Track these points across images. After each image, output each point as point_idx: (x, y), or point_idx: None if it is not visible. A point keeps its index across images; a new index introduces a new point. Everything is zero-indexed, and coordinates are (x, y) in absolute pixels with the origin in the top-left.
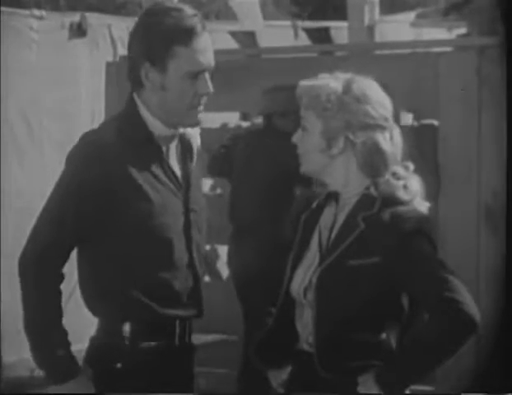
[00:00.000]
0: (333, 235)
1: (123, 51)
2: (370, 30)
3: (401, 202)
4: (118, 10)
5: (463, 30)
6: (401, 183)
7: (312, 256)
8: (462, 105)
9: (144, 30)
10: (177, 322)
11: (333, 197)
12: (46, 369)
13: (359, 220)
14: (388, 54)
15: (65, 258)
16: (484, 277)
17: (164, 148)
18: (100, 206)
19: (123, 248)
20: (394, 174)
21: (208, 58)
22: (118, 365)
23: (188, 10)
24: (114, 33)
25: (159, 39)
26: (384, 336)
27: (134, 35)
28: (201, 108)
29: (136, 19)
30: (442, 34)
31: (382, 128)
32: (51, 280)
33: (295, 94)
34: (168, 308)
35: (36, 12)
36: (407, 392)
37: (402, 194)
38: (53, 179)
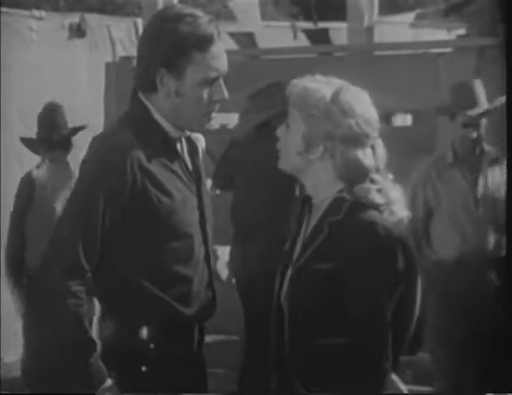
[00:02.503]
0: (305, 240)
1: (122, 52)
2: (370, 30)
3: (373, 206)
4: (117, 11)
5: (462, 31)
6: (375, 187)
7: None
8: None
9: (159, 35)
10: (196, 326)
11: (309, 200)
12: (75, 379)
13: (324, 227)
14: (387, 55)
15: (92, 264)
16: None
17: (178, 146)
18: (125, 208)
19: (147, 246)
20: (371, 180)
21: (223, 64)
22: (144, 369)
23: (203, 16)
24: (113, 34)
25: (176, 46)
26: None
27: (146, 39)
28: (214, 114)
29: (135, 19)
30: (441, 34)
31: (363, 144)
32: (79, 287)
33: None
34: (188, 306)
35: (36, 13)
36: (407, 392)
37: (375, 197)
38: None
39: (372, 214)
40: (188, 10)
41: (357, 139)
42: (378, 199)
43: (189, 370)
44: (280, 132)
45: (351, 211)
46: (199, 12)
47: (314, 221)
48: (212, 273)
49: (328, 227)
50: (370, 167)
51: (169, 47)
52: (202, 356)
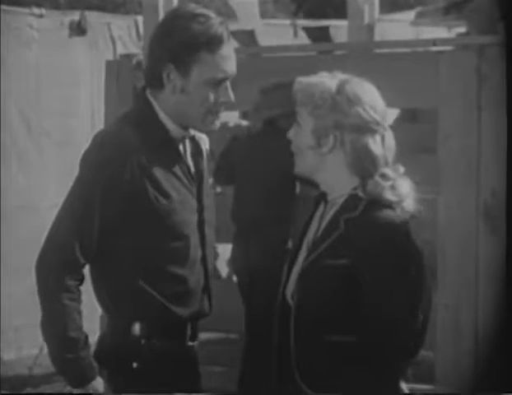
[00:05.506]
0: (317, 236)
1: (122, 49)
2: (370, 28)
3: (387, 204)
4: (118, 8)
5: (462, 29)
6: (388, 183)
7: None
8: (462, 104)
9: (169, 31)
10: (188, 323)
11: (323, 197)
12: (65, 372)
13: (340, 222)
14: (387, 53)
15: (88, 258)
16: (484, 277)
17: (181, 147)
18: (123, 206)
19: (143, 245)
20: (383, 176)
21: (231, 67)
22: (135, 365)
23: (215, 17)
24: (113, 31)
25: (185, 44)
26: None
27: (157, 36)
28: (219, 115)
29: (135, 17)
30: (442, 33)
31: (372, 131)
32: (74, 281)
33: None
34: (181, 306)
35: (36, 11)
36: (407, 391)
37: (389, 195)
38: (52, 179)
39: (389, 213)
40: (200, 10)
41: (367, 126)
42: (391, 197)
43: (181, 367)
44: (291, 133)
45: (368, 210)
46: (211, 13)
47: (328, 217)
48: (209, 276)
49: (343, 223)
50: (378, 156)
51: (179, 43)
52: (195, 353)
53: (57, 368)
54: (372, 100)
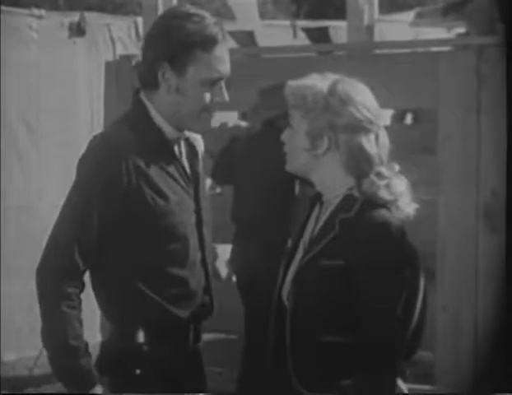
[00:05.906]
0: (313, 237)
1: (122, 50)
2: (369, 29)
3: (383, 204)
4: (118, 9)
5: (462, 30)
6: (384, 182)
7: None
8: (461, 105)
9: (164, 31)
10: (191, 325)
11: (319, 197)
12: (65, 380)
13: (335, 223)
14: (387, 54)
15: (87, 265)
16: (484, 277)
17: (176, 149)
18: (121, 207)
19: (142, 247)
20: (378, 174)
21: (226, 67)
22: (138, 371)
23: (210, 17)
24: (113, 32)
25: (180, 43)
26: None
27: (152, 35)
28: (212, 115)
29: (135, 18)
30: (441, 33)
31: (366, 130)
32: (74, 289)
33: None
34: (183, 308)
35: (35, 11)
36: (406, 392)
37: (384, 194)
38: (52, 179)
39: (384, 213)
40: (195, 10)
41: (360, 126)
42: (386, 196)
43: (185, 369)
44: (285, 136)
45: (363, 210)
46: (206, 14)
47: (324, 218)
48: (210, 277)
49: (339, 224)
50: (373, 154)
51: (174, 43)
52: (199, 355)
53: (56, 375)
54: (364, 99)
